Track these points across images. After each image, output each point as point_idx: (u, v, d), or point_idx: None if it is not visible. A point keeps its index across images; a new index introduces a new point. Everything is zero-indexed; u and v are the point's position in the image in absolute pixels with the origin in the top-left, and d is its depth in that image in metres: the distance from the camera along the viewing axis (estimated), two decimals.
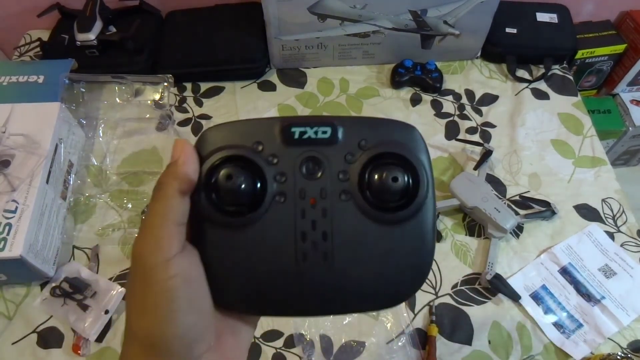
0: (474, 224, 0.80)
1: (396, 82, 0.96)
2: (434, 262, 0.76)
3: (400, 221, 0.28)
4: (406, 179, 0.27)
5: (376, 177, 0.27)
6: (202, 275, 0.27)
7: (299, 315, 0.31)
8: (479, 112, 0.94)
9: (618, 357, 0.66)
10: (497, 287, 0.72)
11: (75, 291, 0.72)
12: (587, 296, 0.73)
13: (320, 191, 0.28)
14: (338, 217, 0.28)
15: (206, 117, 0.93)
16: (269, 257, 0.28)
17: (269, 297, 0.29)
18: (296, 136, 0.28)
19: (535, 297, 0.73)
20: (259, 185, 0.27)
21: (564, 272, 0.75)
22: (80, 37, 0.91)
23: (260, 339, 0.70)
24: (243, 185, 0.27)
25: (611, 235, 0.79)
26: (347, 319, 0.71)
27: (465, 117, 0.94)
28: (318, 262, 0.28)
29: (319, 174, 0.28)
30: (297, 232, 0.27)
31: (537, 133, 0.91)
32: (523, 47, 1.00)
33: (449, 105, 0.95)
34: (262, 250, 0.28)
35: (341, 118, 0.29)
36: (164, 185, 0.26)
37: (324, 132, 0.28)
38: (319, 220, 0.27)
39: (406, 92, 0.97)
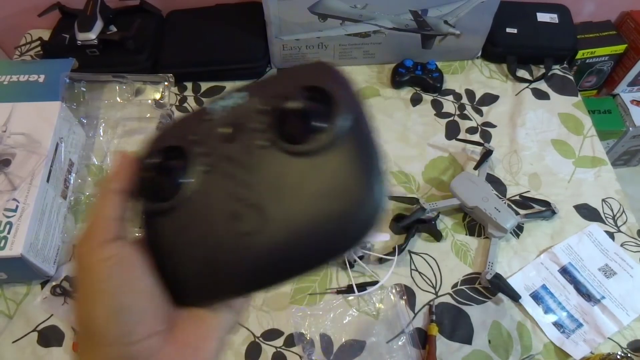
0: (474, 224, 0.80)
1: (397, 82, 0.96)
2: (434, 262, 0.76)
3: (327, 147, 0.26)
4: (318, 103, 0.27)
5: (290, 112, 0.27)
6: (142, 262, 0.27)
7: (253, 288, 0.28)
8: (480, 112, 0.95)
9: (618, 357, 0.66)
10: (497, 286, 0.72)
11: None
12: (587, 296, 0.73)
13: (243, 150, 0.28)
14: (264, 167, 0.27)
15: None
16: (206, 231, 0.27)
17: (217, 276, 0.27)
18: (215, 110, 0.29)
19: (535, 297, 0.73)
20: (187, 167, 0.28)
21: (564, 271, 0.75)
22: (81, 36, 0.91)
23: (261, 338, 0.70)
24: (168, 170, 0.28)
25: (611, 235, 0.79)
26: (347, 318, 0.71)
27: (465, 117, 0.94)
28: (253, 219, 0.26)
29: (240, 136, 0.28)
30: (227, 198, 0.27)
31: (537, 133, 0.91)
32: (523, 47, 1.00)
33: (449, 105, 0.96)
34: (199, 226, 0.27)
35: (256, 81, 0.30)
36: (100, 187, 0.29)
37: (239, 98, 0.29)
38: (245, 178, 0.27)
39: (407, 92, 0.97)
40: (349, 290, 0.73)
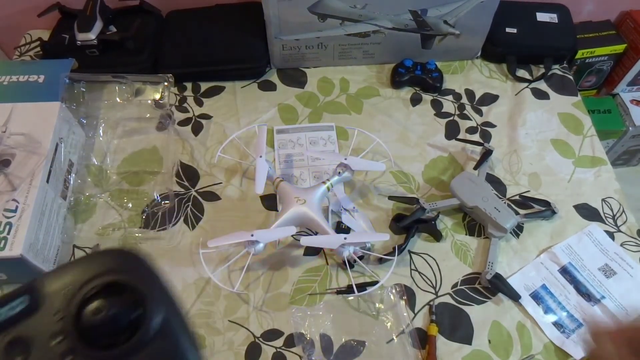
0: (474, 224, 0.80)
1: (396, 81, 0.96)
2: (434, 262, 0.76)
3: (138, 350, 0.23)
4: (122, 302, 0.24)
5: (90, 317, 0.23)
6: None
7: None
8: (479, 112, 0.95)
9: None
10: (497, 286, 0.72)
11: None
12: (587, 296, 0.73)
13: None
14: None
15: (206, 116, 0.93)
16: None
17: None
18: None
19: (535, 297, 0.73)
20: None
21: (564, 271, 0.75)
22: (81, 36, 0.91)
23: (260, 339, 0.70)
24: None
25: (611, 235, 0.79)
26: (347, 318, 0.71)
27: (465, 117, 0.94)
28: None
29: (30, 352, 0.23)
30: None
31: (537, 133, 0.91)
32: (523, 47, 1.00)
33: (449, 105, 0.96)
34: None
35: (42, 276, 0.25)
36: None
37: (21, 303, 0.24)
38: None
39: (406, 92, 0.97)
40: (349, 290, 0.73)
